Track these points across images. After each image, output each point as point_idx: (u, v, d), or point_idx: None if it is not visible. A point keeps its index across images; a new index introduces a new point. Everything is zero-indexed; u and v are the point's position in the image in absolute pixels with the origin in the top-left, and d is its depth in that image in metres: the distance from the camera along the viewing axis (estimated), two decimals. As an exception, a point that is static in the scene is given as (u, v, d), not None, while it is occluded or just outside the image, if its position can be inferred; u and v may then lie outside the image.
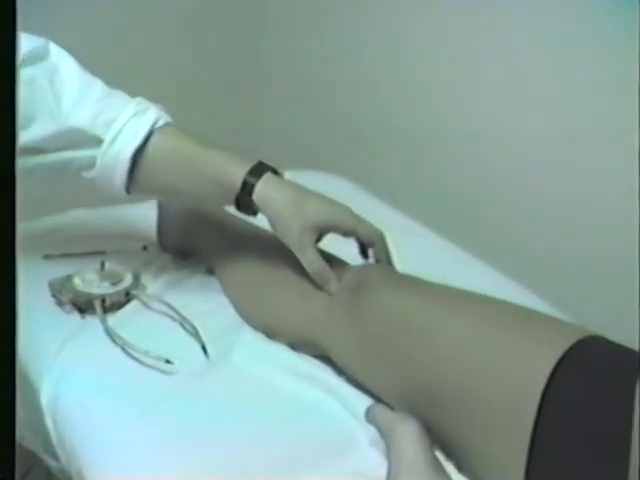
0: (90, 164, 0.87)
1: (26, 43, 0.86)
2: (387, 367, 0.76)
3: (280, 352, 0.86)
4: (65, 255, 1.01)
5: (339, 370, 0.83)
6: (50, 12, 1.24)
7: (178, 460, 0.72)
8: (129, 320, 0.90)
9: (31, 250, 0.99)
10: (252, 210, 0.86)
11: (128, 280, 0.94)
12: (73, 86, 0.88)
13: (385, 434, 0.69)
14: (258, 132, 1.96)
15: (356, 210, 0.86)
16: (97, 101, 0.88)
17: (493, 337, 0.71)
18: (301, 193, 0.85)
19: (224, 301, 0.95)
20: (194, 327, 0.87)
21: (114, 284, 0.92)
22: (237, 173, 0.84)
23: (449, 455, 0.72)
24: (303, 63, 1.84)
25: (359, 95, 1.71)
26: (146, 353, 0.82)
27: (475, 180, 1.46)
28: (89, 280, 0.92)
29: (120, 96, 0.90)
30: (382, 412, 0.72)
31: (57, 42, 0.89)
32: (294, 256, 0.84)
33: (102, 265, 0.94)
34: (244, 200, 0.85)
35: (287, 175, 0.88)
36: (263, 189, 0.84)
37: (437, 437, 0.71)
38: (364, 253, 0.89)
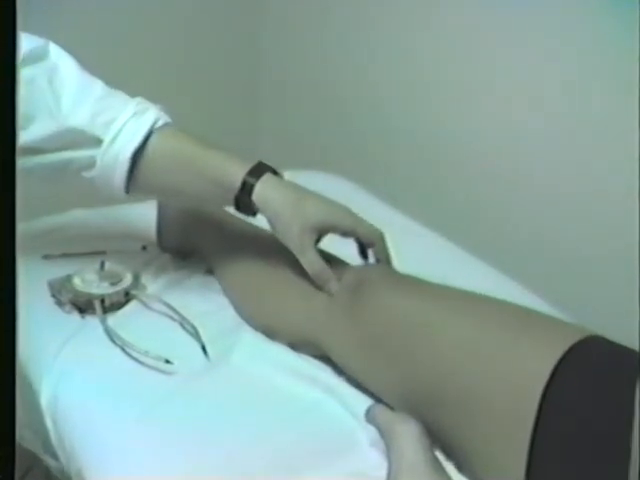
0: (89, 164, 0.87)
1: (26, 43, 0.85)
2: (387, 367, 0.76)
3: (280, 352, 0.86)
4: (65, 255, 1.01)
5: (339, 370, 0.83)
6: (50, 12, 1.24)
7: (178, 460, 0.71)
8: (129, 320, 0.90)
9: (31, 250, 0.99)
10: (251, 210, 0.86)
11: (128, 280, 0.94)
12: (72, 86, 0.88)
13: (385, 434, 0.69)
14: (258, 132, 1.96)
15: (356, 210, 0.86)
16: (96, 101, 0.88)
17: (493, 337, 0.71)
18: (300, 193, 0.85)
19: (224, 301, 0.95)
20: (194, 327, 0.87)
21: (114, 284, 0.92)
22: (236, 173, 0.84)
23: (449, 455, 0.72)
24: (303, 63, 1.84)
25: (359, 95, 1.71)
26: (146, 353, 0.82)
27: (475, 180, 1.46)
28: (89, 280, 0.92)
29: (120, 96, 0.90)
30: (382, 412, 0.72)
31: (57, 42, 0.89)
32: (294, 256, 0.84)
33: (102, 265, 0.94)
34: (243, 200, 0.85)
35: (287, 175, 0.88)
36: (262, 189, 0.84)
37: (437, 437, 0.71)
38: (363, 254, 0.89)
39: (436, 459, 0.67)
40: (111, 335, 0.86)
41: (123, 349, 0.84)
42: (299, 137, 1.89)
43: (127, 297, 0.93)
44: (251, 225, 0.96)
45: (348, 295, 0.82)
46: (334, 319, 0.81)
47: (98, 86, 0.89)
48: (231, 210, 0.89)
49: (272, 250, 0.89)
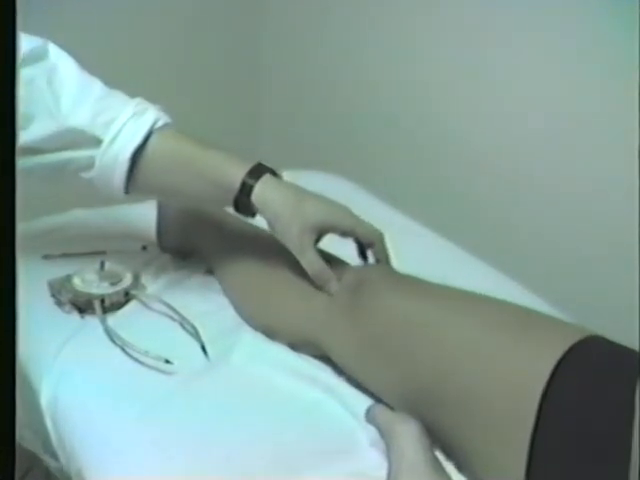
0: (89, 164, 0.87)
1: (25, 43, 0.85)
2: (387, 367, 0.76)
3: (280, 352, 0.86)
4: (65, 255, 1.01)
5: (339, 370, 0.83)
6: (50, 12, 1.24)
7: (178, 460, 0.71)
8: (129, 320, 0.90)
9: (31, 250, 0.99)
10: (251, 211, 0.86)
11: (128, 280, 0.94)
12: (72, 86, 0.88)
13: (385, 434, 0.69)
14: (257, 132, 1.96)
15: (356, 210, 0.86)
16: (96, 101, 0.88)
17: (493, 337, 0.71)
18: (300, 194, 0.85)
19: (224, 301, 0.95)
20: (194, 327, 0.87)
21: (114, 284, 0.92)
22: (236, 174, 0.84)
23: (449, 455, 0.72)
24: (303, 63, 1.84)
25: (359, 95, 1.71)
26: (146, 353, 0.82)
27: (475, 180, 1.46)
28: (89, 280, 0.92)
29: (119, 96, 0.90)
30: (382, 412, 0.72)
31: (57, 42, 0.89)
32: (294, 256, 0.84)
33: (102, 265, 0.94)
34: (243, 201, 0.85)
35: (287, 175, 0.88)
36: (262, 190, 0.84)
37: (437, 437, 0.71)
38: (362, 254, 0.89)
39: (436, 459, 0.67)
40: (111, 335, 0.86)
41: (123, 349, 0.84)
42: (299, 137, 1.89)
43: (127, 297, 0.93)
44: (251, 225, 0.96)
45: (348, 295, 0.82)
46: (334, 319, 0.81)
47: (97, 86, 0.89)
48: (231, 210, 0.89)
49: (272, 250, 0.89)
